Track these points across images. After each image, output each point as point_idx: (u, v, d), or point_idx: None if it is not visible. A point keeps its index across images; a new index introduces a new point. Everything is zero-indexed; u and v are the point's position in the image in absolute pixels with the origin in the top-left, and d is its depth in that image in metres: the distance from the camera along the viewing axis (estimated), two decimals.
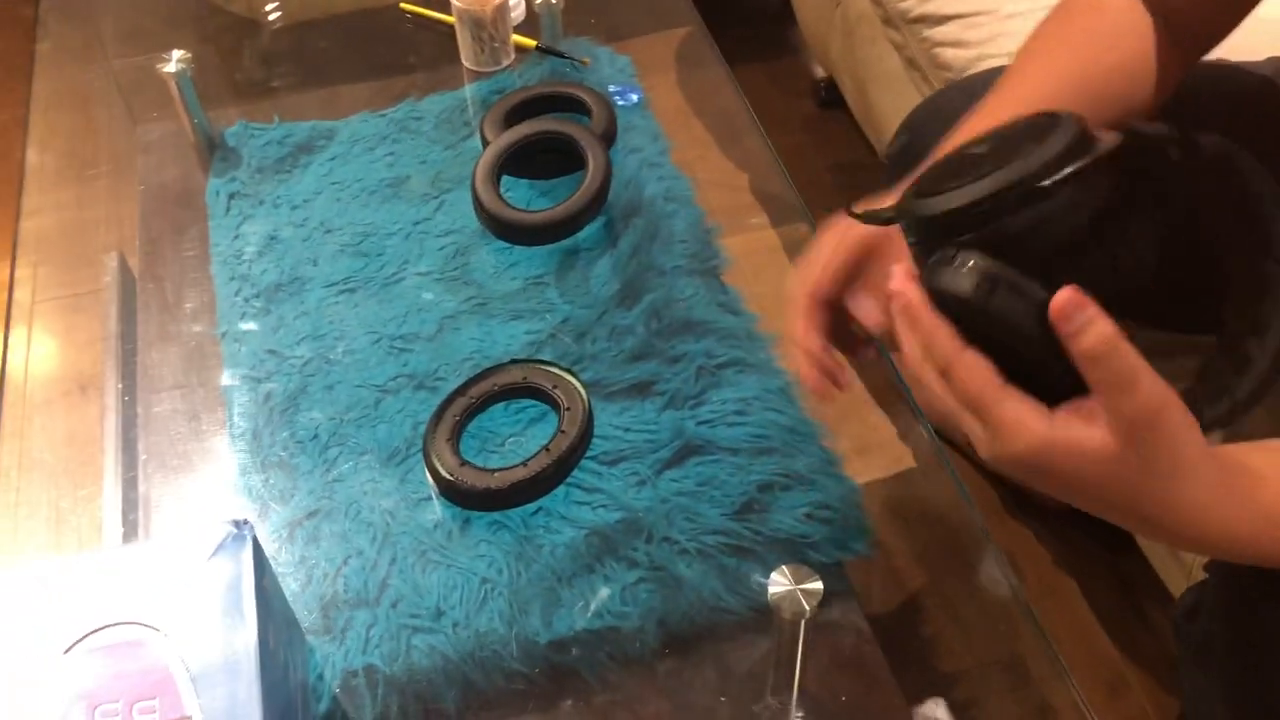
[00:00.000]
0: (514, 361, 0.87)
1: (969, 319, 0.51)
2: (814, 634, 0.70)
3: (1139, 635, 1.17)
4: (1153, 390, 0.49)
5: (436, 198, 1.05)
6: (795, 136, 1.87)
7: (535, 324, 0.93)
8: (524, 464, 0.78)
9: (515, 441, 0.84)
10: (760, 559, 0.78)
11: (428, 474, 0.81)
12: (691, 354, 0.89)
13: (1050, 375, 0.51)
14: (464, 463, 0.79)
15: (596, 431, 0.84)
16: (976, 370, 0.51)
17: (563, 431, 0.80)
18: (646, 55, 1.24)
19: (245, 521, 0.57)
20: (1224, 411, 0.60)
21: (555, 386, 0.83)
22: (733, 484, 0.81)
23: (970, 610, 0.84)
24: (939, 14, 1.21)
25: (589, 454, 0.83)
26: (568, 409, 0.82)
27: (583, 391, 0.83)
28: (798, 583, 0.67)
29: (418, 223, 1.03)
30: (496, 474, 0.77)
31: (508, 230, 0.98)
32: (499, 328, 0.93)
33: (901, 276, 0.54)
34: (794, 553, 0.78)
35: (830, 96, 1.82)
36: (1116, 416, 0.49)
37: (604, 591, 0.75)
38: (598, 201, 0.97)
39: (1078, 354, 0.49)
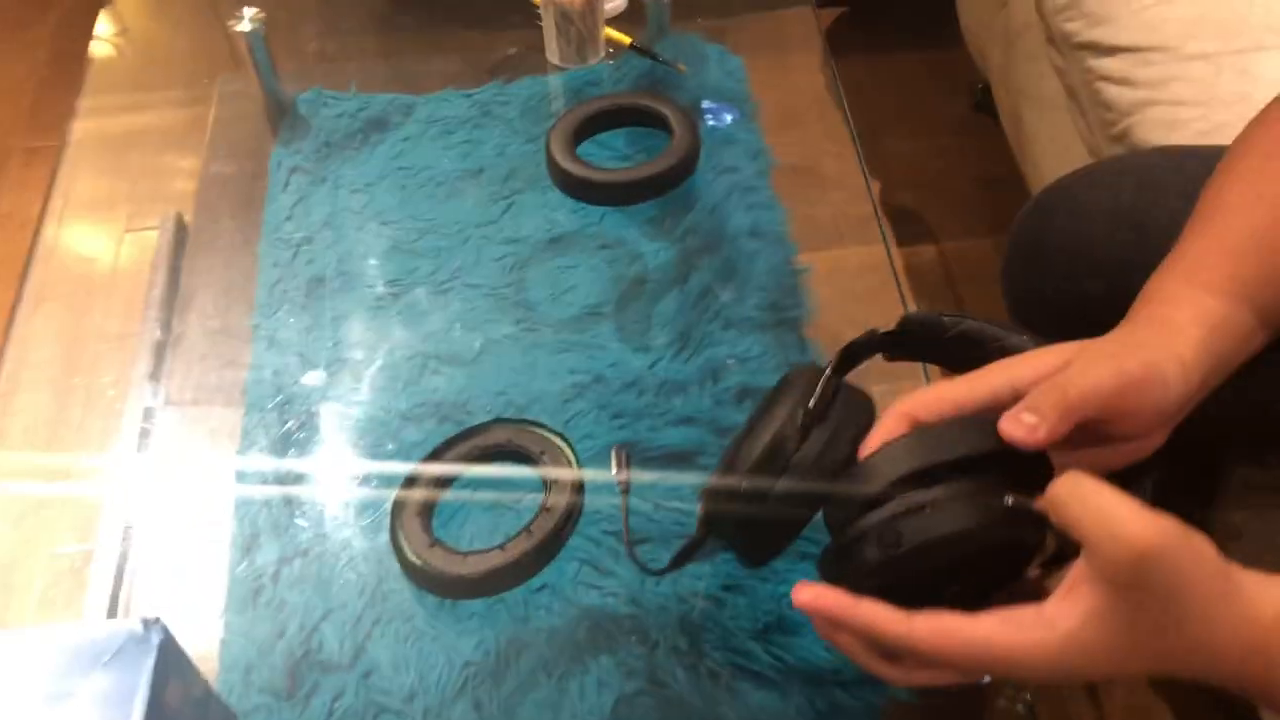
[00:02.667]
0: (499, 421, 0.77)
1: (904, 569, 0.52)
2: None
3: None
4: (1122, 543, 0.45)
5: (506, 199, 0.96)
6: (942, 139, 1.71)
7: (582, 361, 0.84)
8: (501, 548, 0.69)
9: (496, 513, 0.75)
10: (779, 690, 0.67)
11: (393, 552, 0.72)
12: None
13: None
14: (434, 542, 0.70)
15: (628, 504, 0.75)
16: (933, 622, 0.50)
17: (546, 510, 0.70)
18: (761, 43, 1.11)
19: (156, 620, 0.50)
20: None
21: (543, 453, 0.74)
22: (762, 593, 0.71)
23: None
24: (1108, 44, 1.04)
25: (610, 529, 0.74)
26: (554, 482, 0.72)
27: (574, 460, 0.74)
28: None
29: (480, 225, 0.94)
30: (469, 558, 0.69)
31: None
32: (544, 360, 0.84)
33: (806, 595, 0.53)
34: (820, 690, 0.67)
35: (985, 100, 1.65)
36: (1094, 581, 0.47)
37: None
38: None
39: None
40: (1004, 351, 0.58)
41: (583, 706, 0.67)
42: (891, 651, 0.54)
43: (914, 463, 0.52)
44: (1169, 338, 0.54)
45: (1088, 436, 0.52)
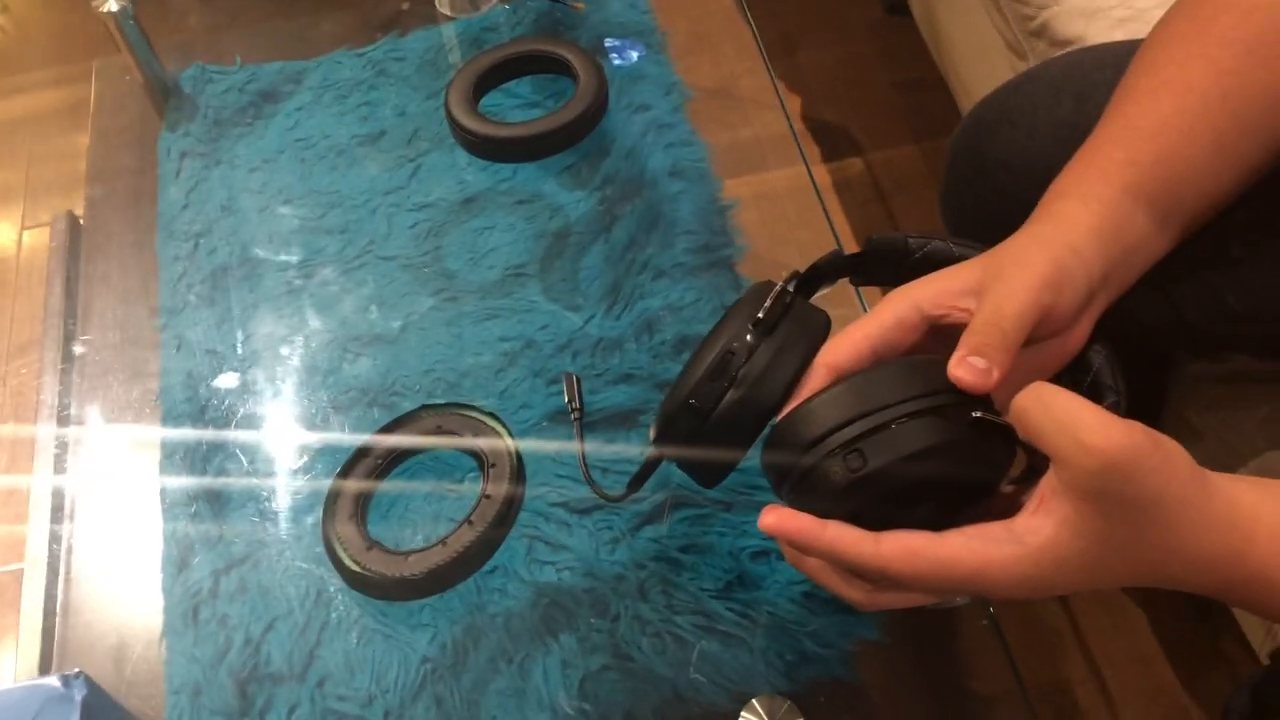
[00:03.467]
0: (426, 407, 0.74)
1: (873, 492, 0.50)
2: None
3: (1207, 670, 1.04)
4: (1097, 444, 0.44)
5: (412, 160, 0.91)
6: (856, 47, 1.67)
7: (511, 327, 0.80)
8: (443, 542, 0.66)
9: (434, 505, 0.72)
10: (747, 647, 0.66)
11: (329, 560, 0.69)
12: None
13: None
14: (372, 544, 0.67)
15: (569, 472, 0.72)
16: (902, 541, 0.48)
17: (487, 497, 0.67)
18: None
19: (78, 675, 0.46)
20: None
21: (476, 436, 0.70)
22: (721, 549, 0.69)
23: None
24: None
25: (557, 500, 0.71)
26: (493, 466, 0.69)
27: (511, 444, 0.70)
28: None
29: (389, 193, 0.89)
30: (411, 557, 0.65)
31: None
32: (470, 330, 0.81)
33: (772, 518, 0.51)
34: (789, 641, 0.66)
35: (898, 1, 1.62)
36: (1065, 487, 0.45)
37: None
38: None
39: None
40: None
41: (548, 690, 0.65)
42: (860, 574, 0.52)
43: (855, 410, 0.50)
44: (1062, 229, 0.54)
45: None
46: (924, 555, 0.47)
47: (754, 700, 0.56)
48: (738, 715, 0.63)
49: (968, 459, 0.49)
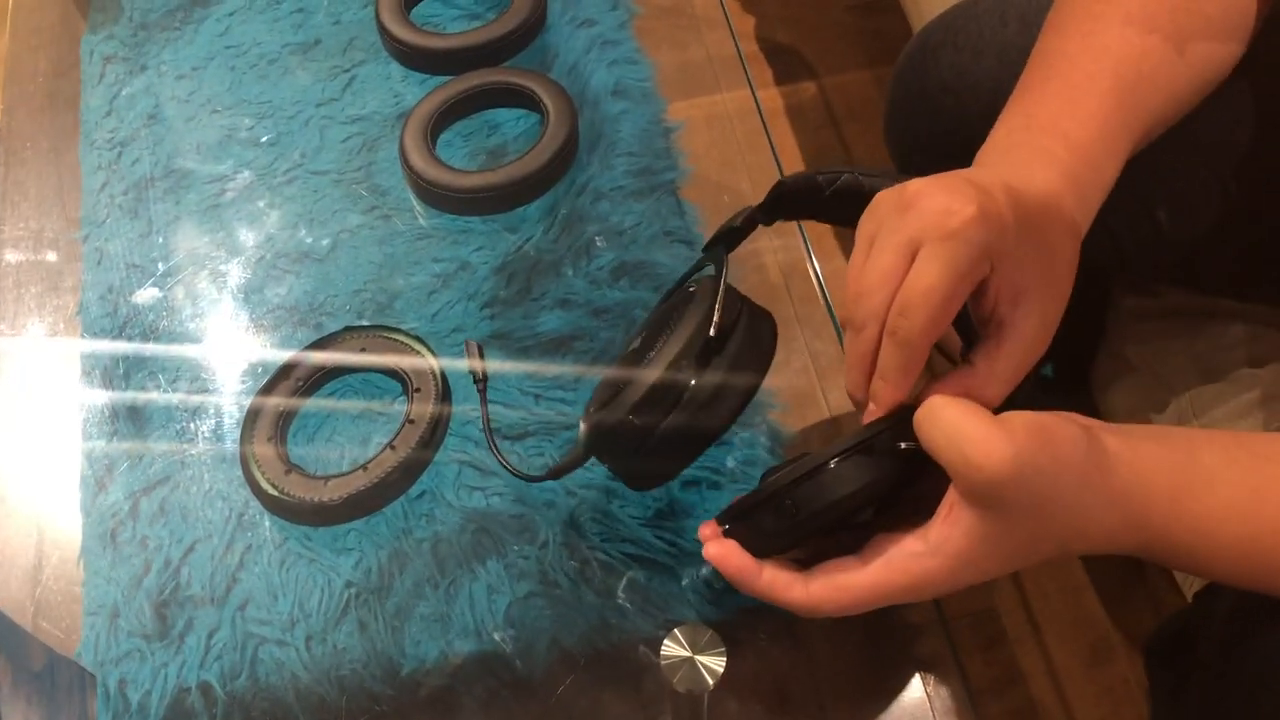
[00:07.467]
0: (349, 329, 0.72)
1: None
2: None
3: (1133, 601, 1.06)
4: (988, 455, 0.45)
5: (347, 71, 0.88)
6: None
7: (445, 248, 0.78)
8: (363, 468, 0.64)
9: (357, 429, 0.70)
10: (675, 575, 0.65)
11: (246, 483, 0.67)
12: (622, 304, 0.74)
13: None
14: (291, 468, 0.65)
15: (501, 398, 0.71)
16: (829, 580, 0.52)
17: (410, 422, 0.66)
18: None
19: None
20: None
21: (401, 358, 0.69)
22: None
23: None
24: None
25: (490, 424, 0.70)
26: (417, 390, 0.67)
27: (436, 367, 0.69)
28: (696, 650, 0.54)
29: (320, 105, 0.86)
30: (330, 482, 0.64)
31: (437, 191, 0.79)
32: (402, 250, 0.78)
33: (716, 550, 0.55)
34: (714, 569, 0.65)
35: None
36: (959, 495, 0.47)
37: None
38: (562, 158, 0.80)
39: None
40: None
41: (473, 615, 0.64)
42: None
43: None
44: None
45: None
46: (850, 590, 0.50)
47: (676, 630, 0.55)
48: (660, 638, 0.63)
49: (890, 484, 0.51)
